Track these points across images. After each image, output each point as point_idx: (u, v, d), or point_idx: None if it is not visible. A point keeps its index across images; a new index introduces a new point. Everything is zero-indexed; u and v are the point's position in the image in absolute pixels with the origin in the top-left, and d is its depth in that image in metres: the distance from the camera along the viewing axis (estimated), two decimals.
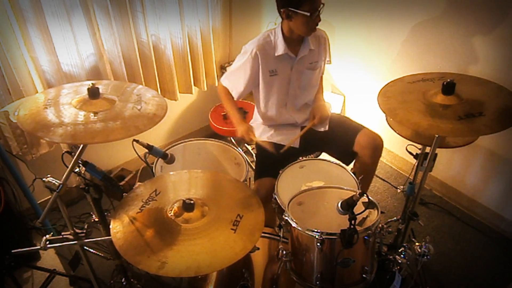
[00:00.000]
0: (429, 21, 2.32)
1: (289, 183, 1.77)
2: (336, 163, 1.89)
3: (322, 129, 2.07)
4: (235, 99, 2.03)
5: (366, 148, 1.92)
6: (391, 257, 1.62)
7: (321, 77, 2.17)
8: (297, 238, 1.45)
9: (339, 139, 2.00)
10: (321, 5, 1.75)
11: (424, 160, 1.72)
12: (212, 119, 2.65)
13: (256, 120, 2.22)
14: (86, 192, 1.44)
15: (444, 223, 2.49)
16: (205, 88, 2.89)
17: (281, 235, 1.58)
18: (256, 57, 1.89)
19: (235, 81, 2.00)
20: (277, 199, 1.69)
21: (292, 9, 1.74)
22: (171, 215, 1.32)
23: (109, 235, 1.28)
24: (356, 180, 1.77)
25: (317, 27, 1.97)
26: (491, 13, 2.05)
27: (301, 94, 2.05)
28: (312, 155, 2.31)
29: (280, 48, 1.89)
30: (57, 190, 1.33)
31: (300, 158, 2.23)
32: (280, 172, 1.82)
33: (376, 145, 1.94)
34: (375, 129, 2.01)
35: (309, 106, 2.13)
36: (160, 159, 1.71)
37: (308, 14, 1.72)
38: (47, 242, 1.43)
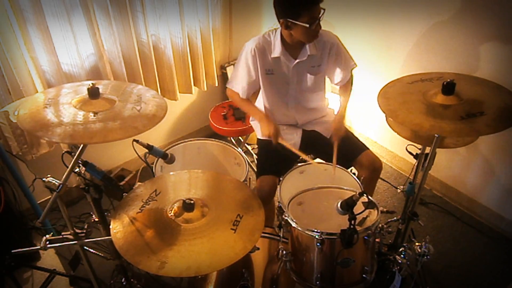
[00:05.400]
0: (429, 21, 2.32)
1: (292, 190, 1.66)
2: (336, 166, 1.88)
3: (325, 135, 2.07)
4: (243, 97, 2.05)
5: (365, 169, 1.92)
6: (391, 257, 1.62)
7: (346, 85, 2.09)
8: (297, 238, 1.45)
9: (339, 152, 1.97)
10: (321, 12, 1.72)
11: (424, 160, 1.72)
12: (212, 119, 2.65)
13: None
14: (86, 192, 1.43)
15: (444, 223, 2.49)
16: (205, 88, 2.89)
17: (281, 235, 1.58)
18: (255, 55, 1.91)
19: (238, 78, 2.02)
20: (282, 207, 1.60)
21: (291, 20, 1.73)
22: (171, 215, 1.32)
23: (109, 235, 1.28)
24: (358, 180, 1.77)
25: (328, 30, 1.95)
26: (491, 13, 2.05)
27: (304, 97, 2.05)
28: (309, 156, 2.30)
29: (277, 50, 1.89)
30: (57, 190, 1.33)
31: (301, 158, 2.22)
32: (281, 179, 1.80)
33: (375, 167, 1.94)
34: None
35: (313, 110, 2.12)
36: (160, 159, 1.71)
37: (307, 25, 1.70)
38: (47, 242, 1.43)
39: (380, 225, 1.47)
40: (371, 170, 1.92)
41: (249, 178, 1.93)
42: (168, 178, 1.55)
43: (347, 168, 1.90)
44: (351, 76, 2.11)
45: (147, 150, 1.57)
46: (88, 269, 1.68)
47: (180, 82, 2.75)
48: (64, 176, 1.34)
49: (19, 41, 1.99)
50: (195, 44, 2.68)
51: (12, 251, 1.50)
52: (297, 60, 1.91)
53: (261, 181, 1.91)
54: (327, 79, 2.13)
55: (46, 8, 1.97)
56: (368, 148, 1.99)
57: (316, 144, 2.09)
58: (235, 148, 2.06)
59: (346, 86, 2.12)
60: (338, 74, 2.05)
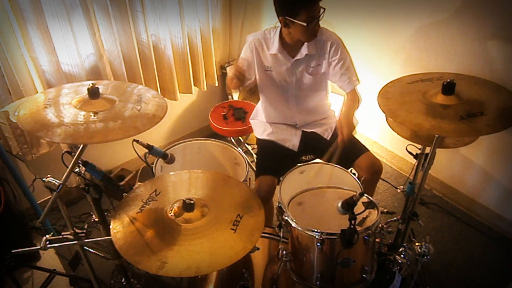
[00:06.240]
0: (429, 22, 2.32)
1: (292, 190, 1.65)
2: (336, 166, 1.88)
3: (325, 136, 2.07)
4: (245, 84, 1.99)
5: (365, 171, 1.90)
6: (391, 257, 1.62)
7: (352, 91, 1.95)
8: (297, 238, 1.45)
9: (340, 153, 1.96)
10: (321, 11, 1.71)
11: (424, 160, 1.72)
12: (212, 119, 2.64)
13: (257, 116, 2.22)
14: (86, 192, 1.44)
15: (444, 223, 2.49)
16: (205, 88, 2.89)
17: (281, 235, 1.58)
18: (254, 48, 1.92)
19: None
20: (282, 207, 1.58)
21: (289, 18, 1.73)
22: (171, 215, 1.32)
23: (109, 235, 1.28)
24: (358, 181, 1.77)
25: (332, 31, 1.93)
26: (491, 13, 2.05)
27: (304, 96, 2.04)
28: (309, 156, 2.30)
29: (274, 48, 1.90)
30: (57, 190, 1.33)
31: (303, 157, 2.22)
32: (281, 179, 1.80)
33: (375, 170, 1.92)
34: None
35: (314, 111, 2.11)
36: (160, 159, 1.71)
37: (305, 24, 1.69)
38: (47, 242, 1.43)
39: (380, 225, 1.47)
40: (371, 172, 1.91)
41: (249, 178, 1.93)
42: (168, 178, 1.55)
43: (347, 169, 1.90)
44: (356, 92, 1.97)
45: (147, 150, 1.57)
46: (88, 269, 1.68)
47: (180, 82, 2.75)
48: (64, 176, 1.34)
49: (19, 41, 1.99)
50: (195, 44, 2.68)
51: (12, 251, 1.50)
52: (294, 59, 1.91)
53: (260, 181, 1.91)
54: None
55: (46, 8, 1.97)
56: (368, 150, 1.98)
57: (315, 145, 2.08)
58: (235, 148, 2.06)
59: (352, 95, 1.97)
60: (339, 80, 1.94)
